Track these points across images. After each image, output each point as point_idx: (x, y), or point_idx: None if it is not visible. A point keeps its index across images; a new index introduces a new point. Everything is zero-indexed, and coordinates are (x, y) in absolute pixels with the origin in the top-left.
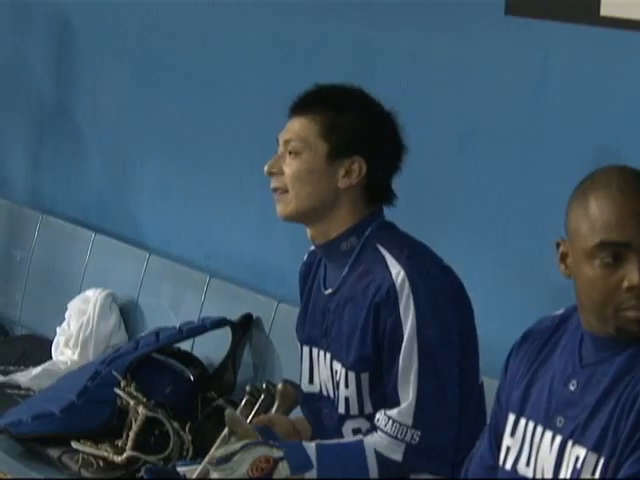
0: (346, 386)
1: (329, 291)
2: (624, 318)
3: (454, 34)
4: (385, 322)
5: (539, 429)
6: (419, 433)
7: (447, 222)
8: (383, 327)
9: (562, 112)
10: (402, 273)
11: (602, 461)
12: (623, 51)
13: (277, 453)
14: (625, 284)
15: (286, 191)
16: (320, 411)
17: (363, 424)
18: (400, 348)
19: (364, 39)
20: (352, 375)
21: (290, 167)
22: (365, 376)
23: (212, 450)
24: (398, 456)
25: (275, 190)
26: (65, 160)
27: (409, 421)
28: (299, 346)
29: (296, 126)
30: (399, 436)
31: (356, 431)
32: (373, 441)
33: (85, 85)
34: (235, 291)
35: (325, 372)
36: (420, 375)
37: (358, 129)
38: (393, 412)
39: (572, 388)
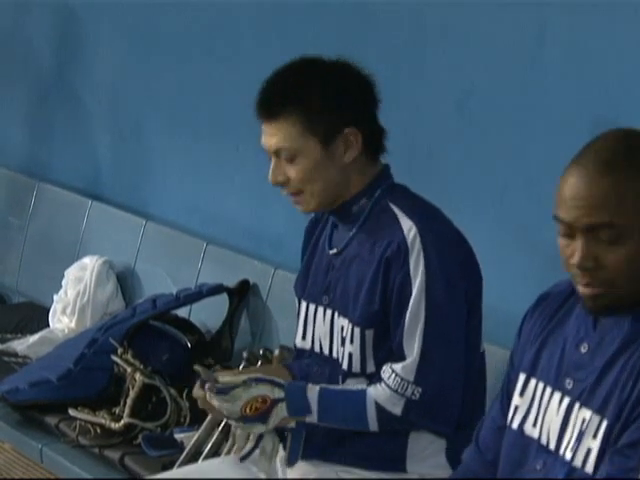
0: (351, 342)
1: (334, 251)
2: (580, 291)
3: None
4: (395, 277)
5: (548, 390)
6: (420, 389)
7: (444, 185)
8: (392, 282)
9: (560, 76)
10: (414, 229)
11: (605, 424)
12: (620, 17)
13: (278, 394)
14: (570, 260)
15: (301, 192)
16: (310, 368)
17: (364, 383)
18: (408, 303)
19: (361, 2)
20: (357, 331)
21: (293, 172)
22: (370, 333)
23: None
24: (398, 410)
25: (290, 195)
26: (62, 128)
27: (411, 377)
28: (296, 302)
29: (277, 134)
30: (399, 390)
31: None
32: (375, 393)
33: (83, 54)
34: (232, 257)
35: (322, 329)
36: (426, 332)
37: (333, 106)
38: (397, 366)
39: (583, 351)
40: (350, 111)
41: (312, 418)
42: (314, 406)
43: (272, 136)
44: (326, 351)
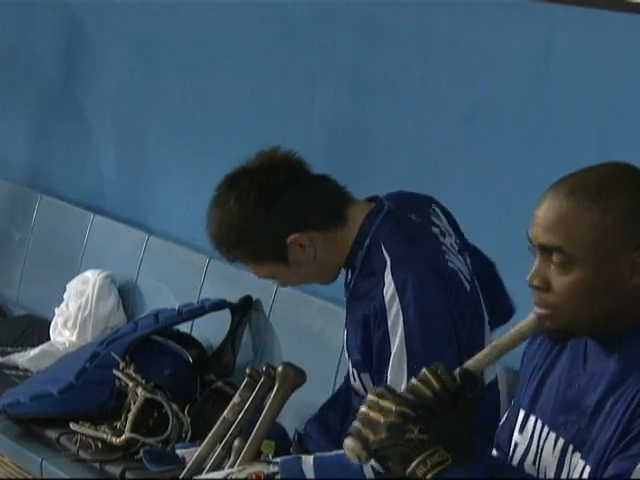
0: (353, 379)
1: (347, 295)
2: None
3: (458, 12)
4: (375, 336)
5: (545, 429)
6: None
7: (449, 198)
8: (373, 340)
9: (566, 90)
10: (392, 287)
11: (588, 469)
12: (629, 31)
13: (272, 469)
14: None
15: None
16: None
17: None
18: (388, 362)
19: (367, 16)
20: (355, 372)
21: (285, 282)
22: (366, 376)
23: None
24: None
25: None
26: (65, 141)
27: None
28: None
29: (249, 269)
30: None
31: None
32: None
33: (86, 66)
34: (235, 273)
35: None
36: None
37: (263, 237)
38: None
39: (573, 391)
40: (282, 225)
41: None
42: (310, 475)
43: (255, 272)
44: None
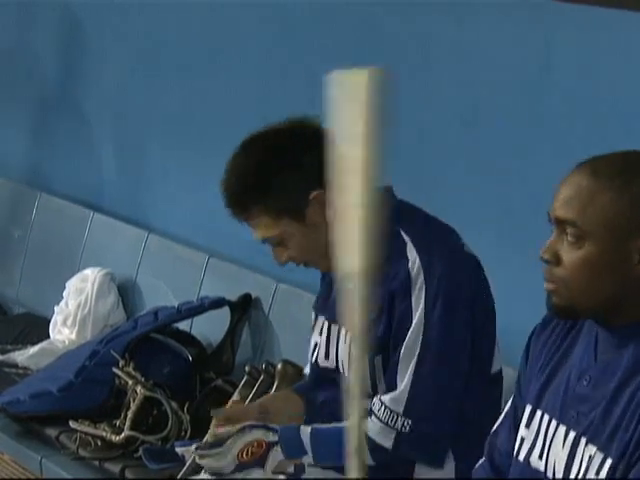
0: None
1: None
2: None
3: (458, 12)
4: (397, 309)
5: (553, 423)
6: (410, 422)
7: (449, 199)
8: (396, 314)
9: (564, 93)
10: (417, 262)
11: (609, 462)
12: (628, 34)
13: (272, 437)
14: None
15: (308, 262)
16: (337, 386)
17: None
18: (406, 336)
19: (367, 16)
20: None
21: (291, 253)
22: (379, 359)
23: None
24: (389, 443)
25: (304, 266)
26: (65, 140)
27: (400, 408)
28: (314, 317)
29: (255, 229)
30: (390, 423)
31: (369, 412)
32: (367, 427)
33: (86, 66)
34: (234, 271)
35: (344, 351)
36: (418, 366)
37: (287, 187)
38: (386, 397)
39: (585, 383)
40: (307, 178)
41: (308, 459)
42: (308, 447)
43: (254, 230)
44: (346, 373)
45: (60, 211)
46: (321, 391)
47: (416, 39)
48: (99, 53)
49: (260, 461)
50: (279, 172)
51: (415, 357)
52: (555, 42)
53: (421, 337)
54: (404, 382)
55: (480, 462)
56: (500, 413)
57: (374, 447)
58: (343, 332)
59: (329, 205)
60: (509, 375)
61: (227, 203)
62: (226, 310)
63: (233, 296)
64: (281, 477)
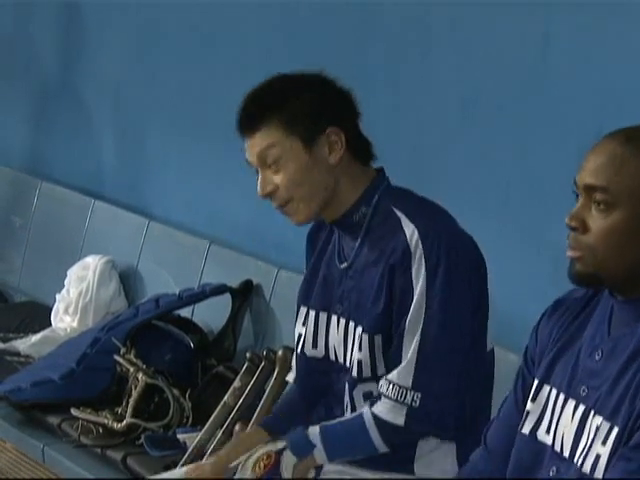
0: (359, 349)
1: (344, 265)
2: (567, 255)
3: (457, 2)
4: (398, 283)
5: (562, 397)
6: (419, 395)
7: (449, 186)
8: (396, 288)
9: (564, 77)
10: (416, 233)
11: (615, 431)
12: (624, 16)
13: (279, 445)
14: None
15: (289, 201)
16: (327, 375)
17: (375, 388)
18: (409, 309)
19: (366, 4)
20: (366, 337)
21: (280, 179)
22: (378, 338)
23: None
24: (400, 420)
25: (281, 207)
26: (65, 128)
27: (408, 382)
28: (296, 308)
29: (257, 143)
30: (399, 398)
31: (367, 395)
32: (376, 409)
33: (86, 53)
34: (235, 257)
35: (336, 338)
36: (423, 337)
37: (310, 106)
38: (393, 374)
39: (597, 358)
40: (330, 112)
41: (322, 457)
42: (318, 444)
43: (255, 146)
44: (341, 360)
45: (61, 199)
46: (311, 382)
47: (415, 25)
48: (99, 41)
49: (275, 470)
50: (303, 93)
51: (420, 329)
52: (554, 26)
53: (424, 308)
54: (410, 355)
55: (478, 449)
56: (492, 393)
57: (384, 427)
58: (334, 319)
59: (339, 147)
60: (509, 360)
61: (246, 112)
62: (227, 297)
63: (234, 283)
64: None
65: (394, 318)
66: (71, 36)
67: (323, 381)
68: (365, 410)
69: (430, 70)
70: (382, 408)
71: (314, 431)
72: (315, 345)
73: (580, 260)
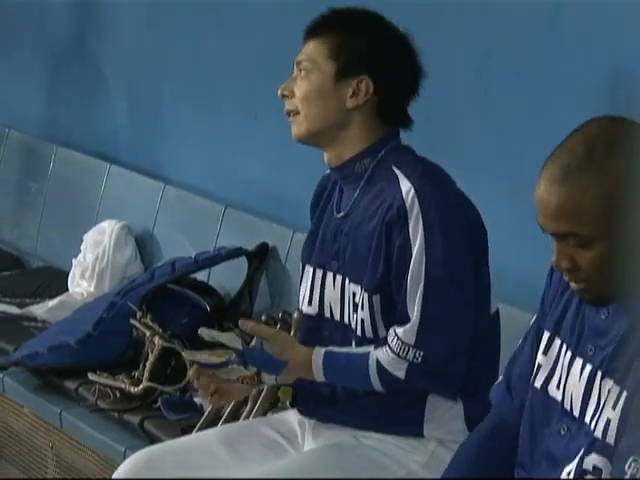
0: (361, 308)
1: (341, 214)
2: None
3: None
4: (395, 241)
5: (569, 353)
6: (421, 353)
7: (463, 150)
8: (394, 246)
9: (577, 41)
10: (412, 191)
11: (624, 395)
12: None
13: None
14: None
15: (298, 113)
16: (320, 332)
17: None
18: (409, 267)
19: None
20: (365, 296)
21: (300, 88)
22: (377, 298)
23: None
24: (401, 374)
25: (288, 113)
26: (80, 92)
27: (412, 340)
28: (301, 266)
29: (309, 48)
30: (401, 354)
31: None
32: (379, 355)
33: (101, 20)
34: (251, 221)
35: (333, 295)
36: (425, 295)
37: (366, 50)
38: (400, 330)
39: (603, 317)
40: (377, 67)
41: (319, 375)
42: (320, 362)
43: (305, 50)
44: (337, 317)
45: (76, 164)
46: (307, 341)
47: None
48: (113, 6)
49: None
50: (368, 38)
51: (421, 285)
52: None
53: (424, 266)
54: (414, 313)
55: (497, 382)
56: (499, 349)
57: (384, 374)
58: (329, 276)
59: (360, 97)
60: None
61: (316, 20)
62: (243, 260)
63: (250, 246)
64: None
65: (393, 278)
66: (86, 4)
67: (314, 338)
68: (371, 351)
69: (442, 35)
70: (384, 356)
71: (319, 351)
72: (310, 302)
73: (585, 291)
